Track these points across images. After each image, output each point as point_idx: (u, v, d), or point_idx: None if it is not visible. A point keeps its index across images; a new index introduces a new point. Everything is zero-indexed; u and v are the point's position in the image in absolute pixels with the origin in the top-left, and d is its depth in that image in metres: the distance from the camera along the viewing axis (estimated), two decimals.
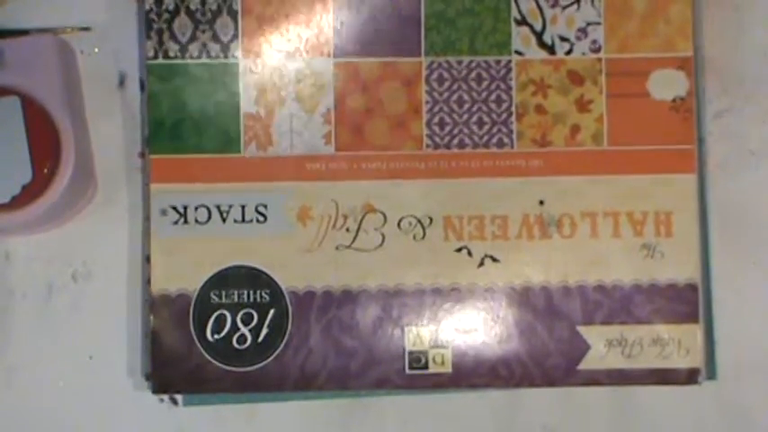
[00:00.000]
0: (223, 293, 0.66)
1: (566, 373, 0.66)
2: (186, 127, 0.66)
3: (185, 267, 0.66)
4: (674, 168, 0.67)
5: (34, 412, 0.63)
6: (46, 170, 0.58)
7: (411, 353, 0.67)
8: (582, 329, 0.66)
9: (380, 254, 0.67)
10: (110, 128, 0.64)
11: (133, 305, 0.65)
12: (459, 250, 0.67)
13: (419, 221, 0.67)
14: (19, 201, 0.58)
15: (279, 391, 0.66)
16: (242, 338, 0.66)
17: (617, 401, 0.66)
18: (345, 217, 0.67)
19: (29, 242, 0.63)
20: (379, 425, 0.66)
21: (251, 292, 0.66)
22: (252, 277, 0.66)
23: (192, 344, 0.66)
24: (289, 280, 0.67)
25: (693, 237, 0.67)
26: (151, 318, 0.66)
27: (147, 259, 0.66)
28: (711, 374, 0.67)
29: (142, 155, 0.66)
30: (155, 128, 0.66)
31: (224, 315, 0.66)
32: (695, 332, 0.66)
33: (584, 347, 0.66)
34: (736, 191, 0.67)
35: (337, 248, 0.67)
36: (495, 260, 0.67)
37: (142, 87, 0.66)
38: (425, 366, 0.67)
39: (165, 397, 0.65)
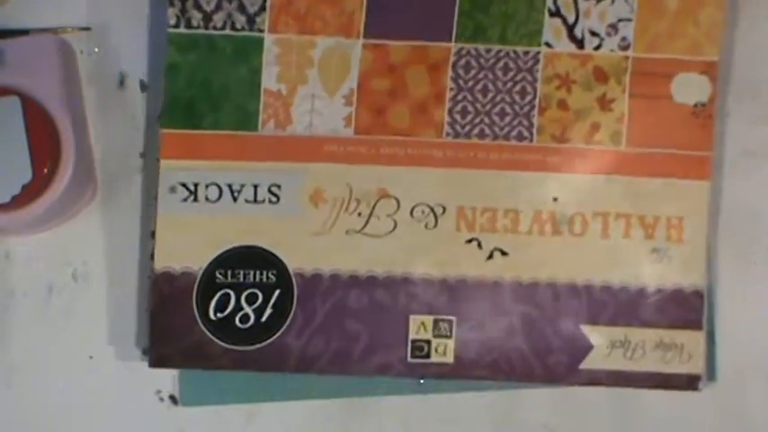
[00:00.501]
0: (229, 273, 0.66)
1: (567, 371, 0.67)
2: (203, 101, 0.65)
3: (191, 245, 0.66)
4: (689, 174, 0.67)
5: (34, 412, 0.63)
6: (46, 170, 0.58)
7: (414, 341, 0.67)
8: (586, 329, 0.67)
9: (391, 240, 0.67)
10: (110, 128, 0.64)
11: (133, 305, 0.65)
12: (469, 241, 0.67)
13: (432, 210, 0.67)
14: (19, 200, 0.58)
15: (278, 371, 0.66)
16: (245, 318, 0.66)
17: (617, 402, 0.67)
18: (358, 201, 0.67)
19: (29, 242, 0.63)
20: (379, 425, 0.66)
21: (257, 273, 0.66)
22: (259, 258, 0.66)
23: (194, 321, 0.66)
24: (297, 262, 0.67)
25: (702, 244, 0.67)
26: (152, 292, 0.65)
27: (152, 235, 0.65)
28: (711, 377, 0.68)
29: (143, 155, 0.66)
30: (170, 100, 0.65)
31: (228, 294, 0.66)
32: (698, 339, 0.67)
33: (587, 347, 0.67)
34: (740, 193, 0.68)
35: (347, 233, 0.67)
36: (504, 254, 0.67)
37: (143, 87, 0.66)
38: (427, 356, 0.67)
39: (165, 396, 0.65)
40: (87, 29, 0.64)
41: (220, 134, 0.66)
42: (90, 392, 0.64)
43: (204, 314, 0.66)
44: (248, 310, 0.66)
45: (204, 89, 0.65)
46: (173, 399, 0.65)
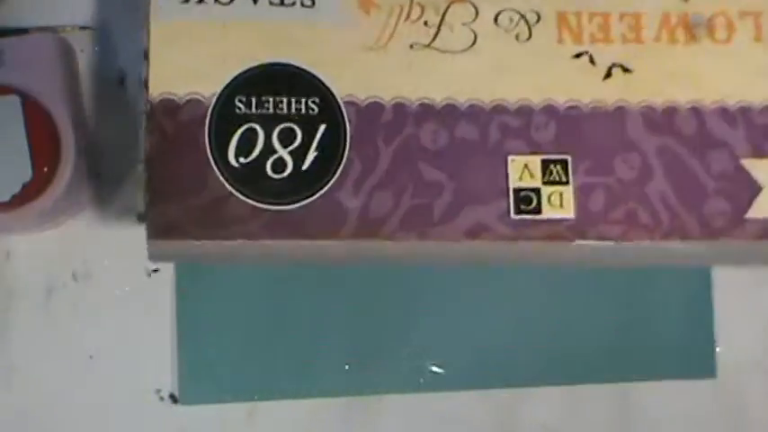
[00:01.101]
0: (253, 101, 0.49)
1: (731, 222, 0.50)
2: None
3: (200, 63, 0.50)
4: None
5: (34, 412, 0.63)
6: (46, 169, 0.58)
7: (518, 191, 0.50)
8: (749, 164, 0.50)
9: (471, 58, 0.51)
10: (110, 127, 0.63)
11: (133, 304, 0.63)
12: (577, 56, 0.51)
13: (523, 17, 0.51)
14: (19, 199, 0.58)
15: (331, 238, 0.49)
16: (280, 164, 0.49)
17: (617, 402, 0.62)
18: (422, 7, 0.51)
19: (29, 241, 0.64)
20: (379, 424, 0.63)
21: (293, 101, 0.49)
22: (295, 80, 0.50)
23: (208, 169, 0.49)
24: (346, 86, 0.50)
25: None
26: (147, 131, 0.49)
27: (144, 55, 0.51)
28: (711, 374, 0.61)
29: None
30: None
31: (254, 131, 0.49)
32: None
33: (753, 188, 0.51)
34: None
35: (412, 47, 0.51)
36: (626, 70, 0.51)
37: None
38: (538, 210, 0.50)
39: (165, 395, 0.62)
40: (87, 28, 0.63)
41: None
42: (90, 392, 0.63)
43: (222, 158, 0.49)
44: (283, 153, 0.49)
45: None
46: (173, 397, 0.63)
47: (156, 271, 0.63)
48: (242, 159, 0.49)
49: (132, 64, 0.63)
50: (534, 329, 0.60)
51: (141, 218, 0.52)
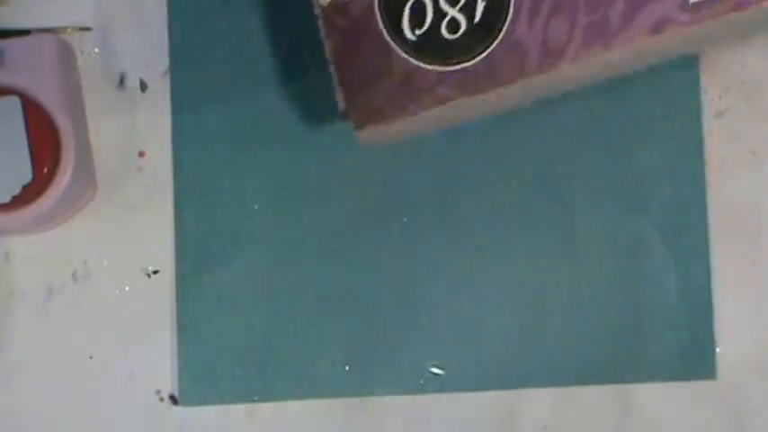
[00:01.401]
0: None
1: None
2: None
3: None
4: None
5: (34, 412, 0.65)
6: (46, 170, 0.60)
7: None
8: None
9: None
10: (110, 128, 0.65)
11: (133, 304, 0.65)
12: None
13: None
14: (19, 200, 0.60)
15: (519, 78, 0.51)
16: (453, 24, 0.51)
17: (617, 402, 0.63)
18: None
19: (29, 242, 0.65)
20: (379, 425, 0.64)
21: None
22: None
23: (389, 50, 0.51)
24: None
25: None
26: (327, 35, 0.51)
27: None
28: (711, 374, 0.63)
29: (142, 154, 0.65)
30: None
31: (421, 2, 0.51)
32: None
33: None
34: (737, 190, 0.65)
35: None
36: None
37: (143, 87, 0.65)
38: None
39: (165, 396, 0.64)
40: (87, 29, 0.65)
41: None
42: (90, 392, 0.65)
43: (399, 36, 0.51)
44: (454, 12, 0.51)
45: None
46: (172, 398, 0.64)
47: (156, 272, 0.64)
48: (417, 31, 0.51)
49: (132, 65, 0.65)
50: (534, 330, 0.61)
51: (343, 115, 0.51)
